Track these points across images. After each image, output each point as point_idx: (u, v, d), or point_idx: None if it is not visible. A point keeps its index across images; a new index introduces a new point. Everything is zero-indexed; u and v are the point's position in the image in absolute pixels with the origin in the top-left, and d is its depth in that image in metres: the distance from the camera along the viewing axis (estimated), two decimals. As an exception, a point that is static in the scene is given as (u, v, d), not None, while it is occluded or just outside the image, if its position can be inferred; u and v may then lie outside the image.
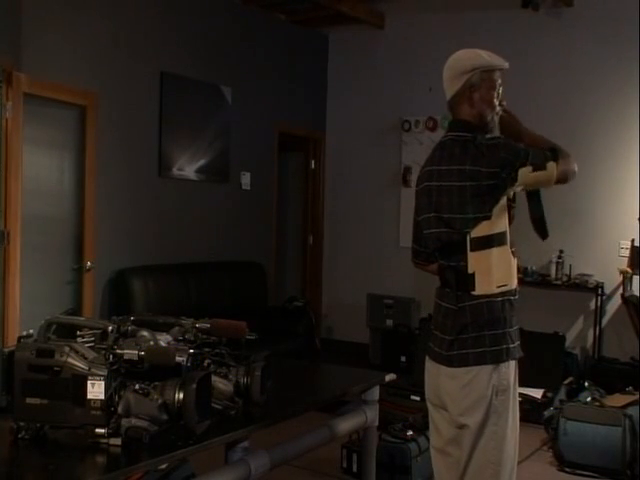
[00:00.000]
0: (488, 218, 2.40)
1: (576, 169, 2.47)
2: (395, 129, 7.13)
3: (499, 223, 2.41)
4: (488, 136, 2.45)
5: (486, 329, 2.39)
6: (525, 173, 2.37)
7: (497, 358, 2.39)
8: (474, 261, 2.41)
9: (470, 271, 2.42)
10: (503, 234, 2.42)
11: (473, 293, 2.41)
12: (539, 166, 2.38)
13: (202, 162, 6.19)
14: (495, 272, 2.41)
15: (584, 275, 5.97)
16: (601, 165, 6.04)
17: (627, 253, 5.80)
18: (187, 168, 6.06)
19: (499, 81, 2.49)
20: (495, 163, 2.37)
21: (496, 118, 2.51)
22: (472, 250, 2.42)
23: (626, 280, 5.70)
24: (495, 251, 2.41)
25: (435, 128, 6.86)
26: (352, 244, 7.43)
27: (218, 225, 6.39)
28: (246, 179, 6.69)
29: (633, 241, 5.76)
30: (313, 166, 7.66)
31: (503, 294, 2.42)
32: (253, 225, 6.81)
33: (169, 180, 5.92)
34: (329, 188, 7.65)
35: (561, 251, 6.00)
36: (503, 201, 2.41)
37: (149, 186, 5.75)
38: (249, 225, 6.75)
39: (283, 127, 7.11)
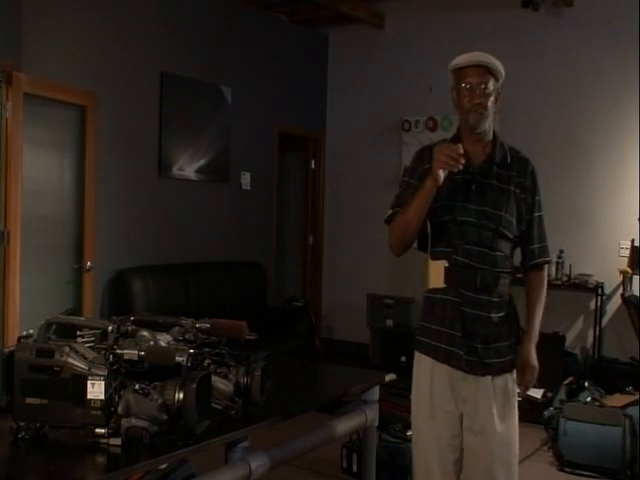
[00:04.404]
0: None
1: (391, 243, 2.51)
2: (395, 129, 7.13)
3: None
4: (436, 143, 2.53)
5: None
6: None
7: (416, 345, 2.55)
8: None
9: None
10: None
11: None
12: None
13: (202, 162, 6.19)
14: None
15: (584, 275, 5.97)
16: (601, 165, 6.04)
17: (627, 253, 5.80)
18: (187, 168, 6.06)
19: (467, 79, 2.38)
20: None
21: (474, 120, 2.42)
22: None
23: (626, 280, 5.70)
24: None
25: (435, 128, 6.86)
26: (352, 244, 7.43)
27: (218, 225, 6.39)
28: (246, 179, 6.69)
29: (633, 241, 5.76)
30: (313, 166, 7.66)
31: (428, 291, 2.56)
32: (253, 225, 6.81)
33: (169, 180, 5.92)
34: (329, 188, 7.65)
35: (561, 251, 5.99)
36: None
37: (149, 186, 5.75)
38: (249, 225, 6.75)
39: (283, 127, 7.11)
